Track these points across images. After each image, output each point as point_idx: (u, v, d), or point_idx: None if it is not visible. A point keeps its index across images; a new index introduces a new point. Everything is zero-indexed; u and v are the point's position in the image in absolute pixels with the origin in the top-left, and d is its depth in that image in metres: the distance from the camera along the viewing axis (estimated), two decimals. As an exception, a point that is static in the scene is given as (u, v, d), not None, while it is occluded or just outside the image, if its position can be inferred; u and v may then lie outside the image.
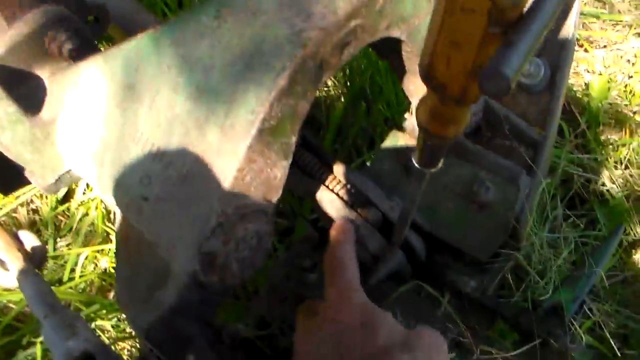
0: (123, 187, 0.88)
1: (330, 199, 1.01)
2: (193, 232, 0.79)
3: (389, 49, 0.96)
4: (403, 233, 0.97)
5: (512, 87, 0.44)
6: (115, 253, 0.95)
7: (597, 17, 1.89)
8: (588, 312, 1.08)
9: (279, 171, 0.81)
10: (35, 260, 0.92)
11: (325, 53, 0.77)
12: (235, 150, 0.76)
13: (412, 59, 0.97)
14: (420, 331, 0.82)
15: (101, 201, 1.57)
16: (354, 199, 1.03)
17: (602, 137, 1.58)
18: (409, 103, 1.55)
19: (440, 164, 0.74)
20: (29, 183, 1.04)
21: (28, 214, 1.61)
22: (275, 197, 0.83)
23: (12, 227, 1.58)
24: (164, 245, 0.84)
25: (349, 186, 1.03)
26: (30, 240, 0.95)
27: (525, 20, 0.48)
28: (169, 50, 0.86)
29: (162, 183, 0.83)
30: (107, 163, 0.91)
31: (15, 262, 0.89)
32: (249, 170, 0.77)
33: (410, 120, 1.06)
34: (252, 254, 0.83)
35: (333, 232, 0.96)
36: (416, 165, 0.75)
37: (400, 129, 1.17)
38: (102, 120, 0.92)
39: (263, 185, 0.80)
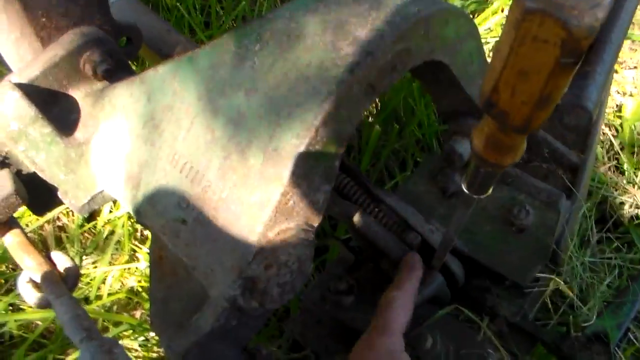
0: (159, 209, 0.87)
1: (368, 223, 0.99)
2: (234, 257, 0.77)
3: (427, 71, 0.94)
4: (444, 258, 0.96)
5: (592, 121, 0.42)
6: (149, 274, 0.93)
7: (627, 38, 1.87)
8: (633, 339, 1.05)
9: (322, 196, 0.80)
10: (68, 281, 0.91)
11: (371, 77, 0.76)
12: (279, 174, 0.74)
13: (451, 82, 0.95)
14: None
15: (128, 219, 1.56)
16: (393, 223, 1.01)
17: (636, 159, 1.56)
18: (441, 124, 1.55)
19: (490, 191, 0.72)
20: (61, 203, 1.03)
21: (54, 230, 1.60)
22: (317, 222, 0.81)
23: (38, 244, 1.58)
24: (202, 269, 0.82)
25: (387, 209, 1.02)
26: (62, 260, 0.94)
27: (597, 50, 0.46)
28: (208, 73, 0.85)
29: (201, 206, 0.82)
30: (143, 185, 0.90)
31: (49, 284, 0.88)
32: (293, 195, 0.76)
33: (449, 143, 1.04)
34: (292, 278, 0.81)
35: (399, 270, 0.94)
36: (465, 191, 0.73)
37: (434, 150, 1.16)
38: (137, 142, 0.91)
39: (305, 210, 0.79)
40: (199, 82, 0.86)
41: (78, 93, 1.01)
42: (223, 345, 0.86)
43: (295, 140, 0.73)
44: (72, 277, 0.92)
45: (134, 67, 1.80)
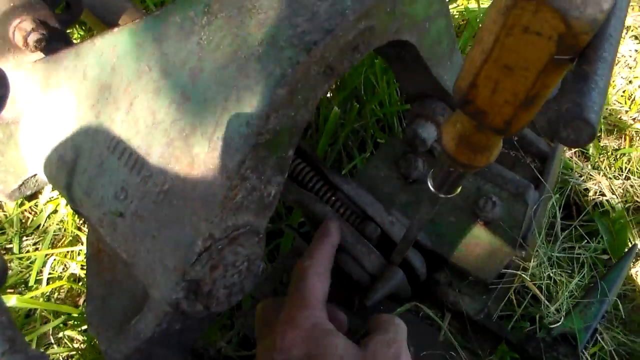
0: (96, 200, 0.78)
1: (325, 212, 0.92)
2: (176, 257, 0.69)
3: (392, 50, 0.87)
4: (405, 253, 0.89)
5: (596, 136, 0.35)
6: (86, 268, 0.85)
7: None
8: (599, 340, 1.00)
9: (274, 188, 0.72)
10: (-6, 279, 0.82)
11: (331, 58, 0.68)
12: (226, 166, 0.66)
13: (417, 63, 0.88)
14: (370, 349, 0.74)
15: (71, 199, 1.47)
16: (351, 213, 0.94)
17: (602, 144, 1.51)
18: (403, 103, 1.48)
19: (458, 191, 0.65)
20: (-10, 188, 0.94)
21: (-9, 210, 1.50)
22: (268, 216, 0.74)
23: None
24: (142, 268, 0.74)
25: (344, 198, 0.95)
26: (-11, 253, 0.85)
27: (595, 47, 0.39)
28: (150, 48, 0.76)
29: (140, 198, 0.73)
30: (78, 171, 0.81)
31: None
32: (241, 189, 0.68)
33: (412, 127, 0.97)
34: (241, 279, 0.74)
35: (313, 238, 0.87)
36: (432, 189, 0.66)
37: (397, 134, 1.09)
38: (72, 123, 0.82)
39: (255, 204, 0.71)
40: (140, 58, 0.77)
41: (7, 65, 0.92)
42: (166, 350, 0.78)
43: (244, 128, 0.65)
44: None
45: (80, 34, 1.70)
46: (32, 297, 1.32)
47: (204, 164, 0.68)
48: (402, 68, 0.93)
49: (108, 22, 1.20)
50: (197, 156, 0.68)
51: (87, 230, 1.43)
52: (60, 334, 1.28)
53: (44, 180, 0.93)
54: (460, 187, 0.65)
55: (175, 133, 0.71)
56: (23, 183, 0.92)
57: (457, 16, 1.76)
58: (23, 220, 1.51)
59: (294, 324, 0.75)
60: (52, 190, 1.48)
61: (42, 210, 1.50)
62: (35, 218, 1.50)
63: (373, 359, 0.73)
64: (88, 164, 0.79)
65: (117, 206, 0.75)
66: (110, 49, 0.81)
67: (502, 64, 0.43)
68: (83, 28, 1.71)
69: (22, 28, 0.89)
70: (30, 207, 1.52)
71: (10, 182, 0.91)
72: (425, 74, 0.90)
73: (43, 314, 1.30)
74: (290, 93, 0.65)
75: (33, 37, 0.89)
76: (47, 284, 1.36)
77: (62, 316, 1.28)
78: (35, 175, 0.92)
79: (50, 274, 1.38)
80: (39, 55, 0.91)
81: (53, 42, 0.92)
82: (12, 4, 0.89)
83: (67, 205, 1.47)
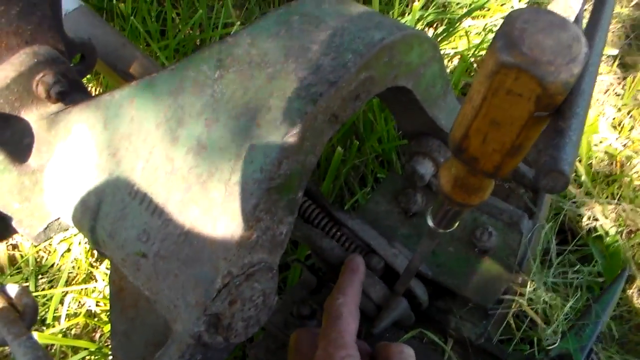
0: (119, 242, 0.84)
1: (331, 247, 0.98)
2: (197, 293, 0.75)
3: (390, 94, 0.93)
4: (407, 283, 0.95)
5: (569, 183, 0.41)
6: (110, 306, 0.91)
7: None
8: (595, 360, 1.06)
9: (285, 227, 0.78)
10: (26, 318, 0.88)
11: (335, 107, 0.74)
12: (241, 209, 0.72)
13: (413, 105, 0.95)
14: None
15: (84, 237, 1.52)
16: (356, 247, 1.00)
17: (593, 171, 1.57)
18: (401, 139, 1.54)
19: (455, 225, 0.72)
20: (16, 232, 0.99)
21: (7, 249, 1.56)
22: (280, 253, 0.80)
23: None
24: (165, 304, 0.80)
25: (349, 233, 1.01)
26: (18, 293, 0.90)
27: (570, 104, 0.46)
28: (167, 100, 0.83)
29: (161, 240, 0.79)
30: (102, 216, 0.87)
31: (6, 322, 0.85)
32: (256, 229, 0.74)
33: (411, 164, 1.03)
34: (257, 312, 0.79)
35: (341, 273, 0.93)
36: (431, 225, 0.72)
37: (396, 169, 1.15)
38: (95, 171, 0.89)
39: (269, 242, 0.77)
40: (158, 110, 0.83)
41: (31, 116, 0.97)
42: (187, 380, 0.84)
43: (258, 174, 0.72)
44: (30, 313, 0.88)
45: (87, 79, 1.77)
46: (50, 334, 1.37)
47: (222, 207, 0.74)
48: (400, 110, 0.99)
49: (119, 71, 1.27)
50: (215, 200, 0.74)
51: (99, 267, 1.48)
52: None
53: (66, 224, 0.99)
54: (457, 223, 0.71)
55: (193, 179, 0.77)
56: (48, 226, 0.98)
57: (451, 54, 1.84)
58: (38, 260, 1.56)
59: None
60: (77, 234, 1.53)
61: (55, 250, 1.56)
62: (49, 257, 1.56)
63: None
64: (111, 208, 0.85)
65: (140, 247, 0.81)
66: (128, 101, 0.87)
67: (489, 119, 0.49)
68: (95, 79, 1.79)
69: (45, 81, 0.95)
70: (44, 247, 1.57)
71: (35, 225, 0.97)
72: (422, 115, 0.97)
73: (62, 349, 1.35)
74: (300, 141, 0.72)
75: (55, 90, 0.95)
76: (65, 320, 1.41)
77: (80, 352, 1.34)
78: (58, 218, 0.98)
79: (67, 311, 1.43)
80: (60, 106, 0.97)
81: (73, 93, 0.99)
82: (35, 60, 0.95)
83: (80, 244, 1.53)
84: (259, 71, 0.78)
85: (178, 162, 0.79)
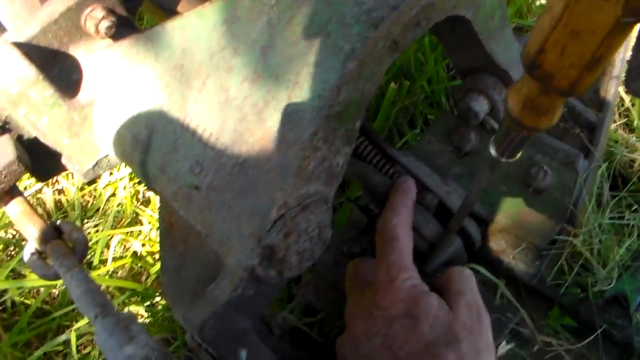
0: (171, 175, 0.83)
1: (385, 183, 0.96)
2: (251, 225, 0.74)
3: (447, 26, 0.90)
4: (462, 221, 0.93)
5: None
6: (160, 242, 0.90)
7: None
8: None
9: (342, 158, 0.76)
10: (77, 253, 0.88)
11: (395, 33, 0.72)
12: (299, 137, 0.71)
13: (470, 37, 0.92)
14: (461, 314, 0.81)
15: (130, 181, 1.53)
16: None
17: (647, 115, 1.53)
18: (450, 80, 1.51)
19: (519, 155, 0.69)
20: (65, 169, 0.99)
21: (54, 194, 1.57)
22: (336, 185, 0.79)
23: (37, 208, 1.54)
24: (217, 237, 0.79)
25: (402, 170, 0.99)
26: (70, 230, 0.90)
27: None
28: (221, 29, 0.81)
29: (215, 172, 0.78)
30: (153, 149, 0.86)
31: (58, 256, 0.85)
32: (313, 159, 0.72)
33: (465, 101, 1.00)
34: (312, 245, 0.78)
35: (391, 195, 0.93)
36: (494, 154, 0.70)
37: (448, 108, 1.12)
38: (146, 104, 0.87)
39: (325, 174, 0.75)
40: (211, 39, 0.81)
41: (80, 52, 0.96)
42: (240, 314, 0.83)
43: (317, 101, 0.70)
44: (81, 247, 0.88)
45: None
46: (97, 275, 1.38)
47: (278, 136, 0.72)
48: (456, 43, 0.96)
49: (166, 9, 1.25)
50: (271, 129, 0.73)
51: (145, 210, 1.49)
52: (126, 309, 1.34)
53: (115, 160, 0.98)
54: (521, 152, 0.69)
55: (249, 108, 0.75)
56: (97, 163, 0.97)
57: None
58: (83, 204, 1.57)
59: (394, 285, 0.82)
60: (116, 168, 1.54)
61: (101, 194, 1.57)
62: (95, 201, 1.57)
63: (463, 323, 0.80)
64: (162, 140, 0.84)
65: (193, 179, 0.80)
66: (180, 32, 0.85)
67: (570, 29, 0.47)
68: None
69: (94, 16, 0.94)
70: (89, 191, 1.58)
71: (85, 162, 0.96)
72: (478, 49, 0.94)
73: (109, 290, 1.37)
74: (360, 67, 0.70)
75: (104, 24, 0.93)
76: (111, 263, 1.42)
77: (127, 292, 1.35)
78: (107, 155, 0.97)
79: (113, 254, 1.44)
80: (109, 41, 0.96)
81: (122, 28, 0.97)
82: (82, -7, 0.93)
83: (125, 188, 1.53)
84: (316, -4, 0.75)
85: (233, 91, 0.77)
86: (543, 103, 0.57)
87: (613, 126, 1.48)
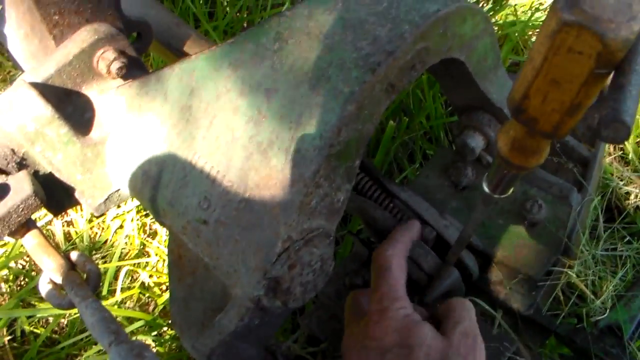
0: (180, 210, 0.87)
1: (385, 218, 1.00)
2: (257, 258, 0.78)
3: (442, 67, 0.95)
4: (459, 253, 0.97)
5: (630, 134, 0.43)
6: (168, 274, 0.94)
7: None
8: (645, 332, 1.06)
9: (343, 194, 0.80)
10: (91, 283, 0.92)
11: (392, 77, 0.76)
12: (302, 175, 0.75)
13: (465, 78, 0.96)
14: (455, 342, 0.82)
15: (137, 213, 1.57)
16: (408, 218, 1.02)
17: (641, 148, 1.57)
18: (448, 116, 1.56)
19: (511, 191, 0.73)
20: (77, 203, 1.03)
21: (63, 226, 1.61)
22: (337, 220, 0.82)
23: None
24: (224, 269, 0.83)
25: (401, 204, 1.03)
26: (83, 261, 0.94)
27: (629, 61, 0.47)
28: (227, 72, 0.85)
29: (222, 207, 0.82)
30: (162, 185, 0.90)
31: (72, 286, 0.89)
32: (315, 195, 0.76)
33: (461, 137, 1.04)
34: (315, 277, 0.82)
35: (394, 230, 0.96)
36: (487, 191, 0.74)
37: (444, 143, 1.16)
38: (156, 142, 0.92)
39: (327, 209, 0.79)
40: (218, 81, 0.86)
41: (92, 91, 1.01)
42: (246, 343, 0.87)
43: (318, 141, 0.74)
44: (95, 278, 0.92)
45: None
46: (106, 306, 1.41)
47: (282, 174, 0.76)
48: (451, 83, 1.01)
49: (173, 49, 1.30)
50: (275, 167, 0.77)
51: (152, 242, 1.52)
52: (134, 339, 1.37)
53: (126, 195, 1.02)
54: (512, 189, 0.73)
55: (254, 147, 0.80)
56: (108, 197, 1.01)
57: (496, 29, 1.84)
58: (92, 236, 1.61)
59: (387, 315, 0.84)
60: (132, 201, 1.57)
61: (109, 226, 1.61)
62: (103, 233, 1.61)
63: (457, 349, 0.82)
64: (172, 177, 0.89)
65: (201, 214, 0.84)
66: (189, 74, 0.90)
67: (550, 78, 0.51)
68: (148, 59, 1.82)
69: (105, 58, 0.98)
70: (98, 224, 1.62)
71: (97, 196, 1.00)
72: (473, 88, 0.98)
73: (118, 320, 1.40)
74: (358, 109, 0.74)
75: (115, 65, 0.98)
76: (119, 294, 1.45)
77: (135, 322, 1.38)
78: (118, 190, 1.01)
79: (121, 285, 1.48)
80: (120, 81, 1.01)
81: (132, 69, 1.02)
82: (96, 37, 0.98)
83: (132, 220, 1.57)
84: (318, 42, 0.80)
85: (238, 131, 0.82)
86: (530, 144, 0.61)
87: (608, 159, 1.52)
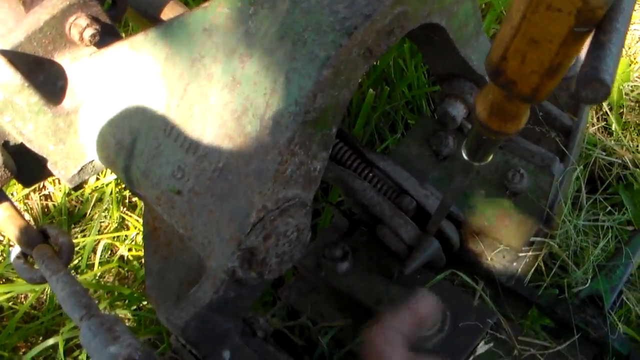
0: (154, 180, 0.85)
1: (364, 187, 0.99)
2: (232, 228, 0.76)
3: (422, 33, 0.93)
4: (439, 223, 0.95)
5: (610, 94, 0.41)
6: (143, 246, 0.92)
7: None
8: (626, 301, 1.06)
9: (319, 163, 0.79)
10: (63, 256, 0.90)
11: (370, 41, 0.74)
12: (276, 142, 0.73)
13: (446, 44, 0.94)
14: None
15: (115, 186, 1.54)
16: (387, 187, 1.01)
17: (624, 120, 1.55)
18: (430, 85, 1.54)
19: (490, 158, 0.72)
20: (50, 174, 1.01)
21: (40, 200, 1.58)
22: (314, 189, 0.81)
23: (24, 214, 1.56)
24: (199, 240, 0.81)
25: (381, 174, 1.01)
26: (56, 234, 0.92)
27: (610, 20, 0.45)
28: (201, 38, 0.83)
29: (196, 176, 0.80)
30: (136, 154, 0.88)
31: (44, 259, 0.87)
32: (291, 164, 0.74)
33: (442, 106, 1.03)
34: (291, 248, 0.80)
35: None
36: (466, 158, 0.72)
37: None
38: (129, 111, 0.89)
39: (303, 178, 0.78)
40: (192, 47, 0.84)
41: (64, 59, 0.98)
42: (222, 316, 0.85)
43: (293, 107, 0.72)
44: (67, 251, 0.90)
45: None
46: (84, 280, 1.39)
47: (256, 142, 0.74)
48: (432, 50, 0.99)
49: (150, 17, 1.27)
50: (249, 135, 0.75)
51: (132, 215, 1.50)
52: (112, 313, 1.35)
53: (100, 166, 1.00)
54: (492, 155, 0.71)
55: (228, 115, 0.77)
56: (82, 168, 0.99)
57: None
58: (70, 210, 1.59)
59: None
60: (102, 174, 1.55)
61: (87, 199, 1.58)
62: (81, 207, 1.58)
63: None
64: (145, 146, 0.86)
65: (175, 184, 0.82)
66: (162, 40, 0.87)
67: (529, 38, 0.49)
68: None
69: (78, 24, 0.95)
70: (76, 197, 1.60)
71: (70, 167, 0.98)
72: (454, 55, 0.96)
73: (97, 294, 1.38)
74: (335, 74, 0.72)
75: (88, 32, 0.95)
76: (98, 267, 1.44)
77: (114, 296, 1.36)
78: (92, 161, 0.99)
79: (100, 259, 1.46)
80: (93, 49, 0.98)
81: (105, 36, 0.99)
82: (68, 2, 0.95)
83: (111, 194, 1.55)
84: (294, 6, 0.77)
85: (213, 98, 0.79)
86: (509, 109, 0.60)
87: (592, 130, 1.51)
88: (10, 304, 1.40)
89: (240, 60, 0.78)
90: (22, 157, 0.95)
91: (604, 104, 1.54)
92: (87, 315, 0.75)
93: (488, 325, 0.97)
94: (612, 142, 1.50)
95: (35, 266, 0.90)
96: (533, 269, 1.06)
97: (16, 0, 0.96)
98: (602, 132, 1.55)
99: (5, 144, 0.94)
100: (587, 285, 1.01)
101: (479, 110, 0.62)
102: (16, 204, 1.44)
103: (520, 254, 1.04)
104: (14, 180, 1.07)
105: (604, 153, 1.46)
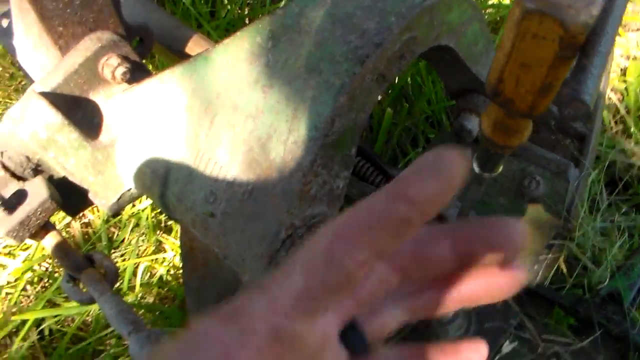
0: (188, 205, 0.92)
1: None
2: (263, 246, 0.82)
3: (434, 54, 0.98)
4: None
5: (591, 112, 0.46)
6: (182, 266, 0.98)
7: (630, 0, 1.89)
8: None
9: (341, 181, 0.84)
10: (108, 279, 0.96)
11: (382, 67, 0.80)
12: (300, 165, 0.79)
13: (457, 63, 0.99)
14: None
15: (151, 211, 1.61)
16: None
17: (643, 121, 1.59)
18: (449, 99, 1.58)
19: (500, 169, 0.76)
20: (92, 204, 1.08)
21: (81, 227, 1.66)
22: (338, 206, 0.86)
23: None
24: (234, 258, 0.87)
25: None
26: (101, 259, 0.99)
27: (593, 43, 0.50)
28: (224, 72, 0.89)
29: (227, 200, 0.86)
30: (171, 183, 0.94)
31: (91, 282, 0.93)
32: (314, 183, 0.80)
33: (458, 120, 1.08)
34: (318, 262, 0.85)
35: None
36: (477, 170, 0.77)
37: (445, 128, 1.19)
38: (161, 142, 0.96)
39: (327, 196, 0.83)
40: (217, 81, 0.90)
41: (99, 97, 1.05)
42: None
43: (314, 132, 0.78)
44: (112, 274, 0.97)
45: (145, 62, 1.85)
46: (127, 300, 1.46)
47: (282, 165, 0.80)
48: (445, 69, 1.04)
49: (174, 50, 1.34)
50: (275, 159, 0.81)
51: (168, 238, 1.57)
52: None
53: (137, 193, 1.07)
54: (501, 167, 0.76)
55: (254, 141, 0.84)
56: (121, 197, 1.06)
57: (492, 12, 1.86)
58: (110, 235, 1.66)
59: None
60: (138, 200, 1.62)
61: (125, 225, 1.65)
62: (120, 232, 1.65)
63: None
64: (179, 174, 0.93)
65: (208, 208, 0.88)
66: (188, 76, 0.94)
67: (520, 63, 0.54)
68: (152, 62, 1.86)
69: (110, 64, 1.03)
70: (115, 223, 1.67)
71: (110, 196, 1.05)
72: (465, 72, 1.01)
73: (140, 313, 1.44)
74: (350, 100, 0.78)
75: (119, 71, 1.02)
76: (139, 289, 1.50)
77: (155, 315, 1.43)
78: (130, 189, 1.06)
79: (139, 280, 1.52)
80: (124, 86, 1.05)
81: (135, 73, 1.06)
82: (99, 44, 1.02)
83: (147, 219, 1.62)
84: (309, 38, 0.83)
85: (239, 127, 0.86)
86: (510, 124, 0.65)
87: (610, 133, 1.55)
88: (58, 326, 1.48)
89: (263, 90, 0.84)
90: (65, 189, 1.02)
91: (621, 108, 1.57)
92: (135, 330, 0.81)
93: (512, 325, 1.02)
94: (632, 144, 1.53)
95: (83, 289, 0.97)
96: (553, 271, 1.10)
97: (52, 45, 1.03)
98: (621, 135, 1.58)
99: (50, 178, 1.02)
100: (606, 283, 1.05)
101: (484, 127, 0.67)
102: (59, 232, 1.52)
103: (540, 257, 1.08)
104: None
105: (623, 155, 1.49)
